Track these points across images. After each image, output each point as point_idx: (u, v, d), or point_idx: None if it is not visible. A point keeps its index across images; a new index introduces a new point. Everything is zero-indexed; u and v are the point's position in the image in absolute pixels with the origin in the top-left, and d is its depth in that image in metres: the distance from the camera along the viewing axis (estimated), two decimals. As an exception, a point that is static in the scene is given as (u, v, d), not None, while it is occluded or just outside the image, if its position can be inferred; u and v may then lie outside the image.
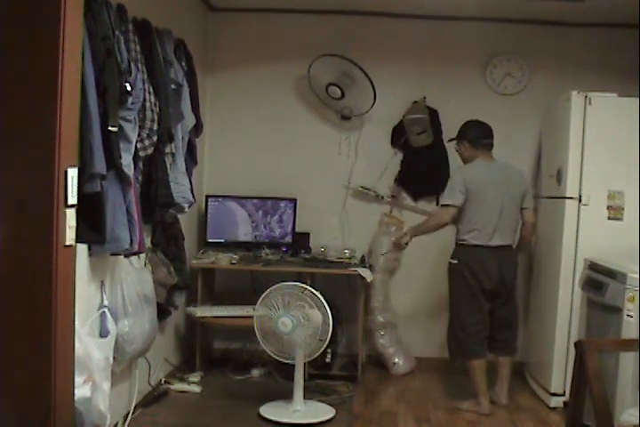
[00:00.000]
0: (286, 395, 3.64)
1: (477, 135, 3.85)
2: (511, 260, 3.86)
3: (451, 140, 4.09)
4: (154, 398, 3.68)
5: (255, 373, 4.22)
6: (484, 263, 3.73)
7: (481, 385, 3.75)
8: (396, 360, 4.44)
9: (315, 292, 3.49)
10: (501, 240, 3.76)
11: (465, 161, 3.92)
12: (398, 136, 4.55)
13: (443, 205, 3.83)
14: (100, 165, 2.46)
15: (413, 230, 4.01)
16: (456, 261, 3.80)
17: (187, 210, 3.65)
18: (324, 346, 3.50)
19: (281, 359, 3.59)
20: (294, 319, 3.45)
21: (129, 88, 2.67)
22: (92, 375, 2.55)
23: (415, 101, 4.50)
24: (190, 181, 3.61)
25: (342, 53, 4.38)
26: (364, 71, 4.35)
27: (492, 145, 3.88)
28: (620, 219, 3.75)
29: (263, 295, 3.53)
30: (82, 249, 2.67)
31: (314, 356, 3.56)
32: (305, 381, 3.66)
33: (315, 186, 4.63)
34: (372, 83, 4.34)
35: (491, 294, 3.77)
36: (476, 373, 3.75)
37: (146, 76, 2.97)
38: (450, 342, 3.89)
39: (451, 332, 3.87)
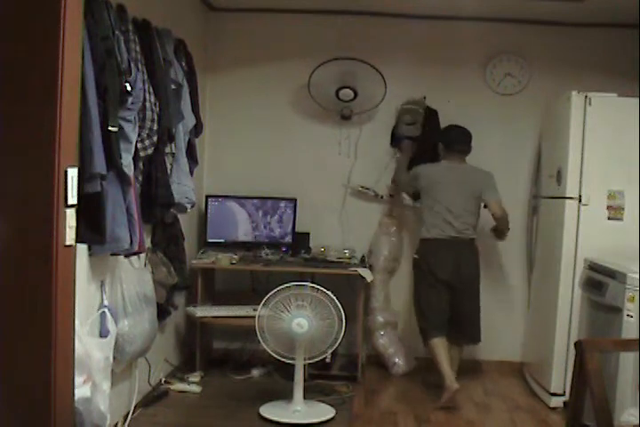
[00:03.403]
0: (286, 395, 3.64)
1: (451, 140, 4.05)
2: (468, 252, 4.02)
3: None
4: (154, 398, 3.68)
5: (255, 373, 4.22)
6: (437, 255, 3.97)
7: (443, 363, 3.86)
8: (396, 360, 4.44)
9: (327, 292, 3.49)
10: (456, 233, 3.94)
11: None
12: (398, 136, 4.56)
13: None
14: (100, 165, 2.46)
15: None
16: (417, 256, 4.05)
17: (189, 210, 3.65)
18: (337, 344, 3.50)
19: (283, 359, 3.57)
20: (310, 320, 3.45)
21: (129, 88, 2.67)
22: (92, 375, 2.55)
23: (415, 101, 4.51)
24: (191, 181, 3.62)
25: (342, 54, 4.39)
26: (364, 61, 4.36)
27: (466, 151, 4.05)
28: (620, 219, 3.75)
29: (269, 295, 3.49)
30: (82, 249, 2.67)
31: (325, 355, 3.57)
32: (305, 381, 3.66)
33: (315, 186, 4.63)
34: (377, 70, 4.36)
35: (448, 285, 3.95)
36: (437, 350, 3.89)
37: (146, 77, 2.97)
38: (419, 330, 4.08)
39: (417, 321, 4.09)
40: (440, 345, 3.91)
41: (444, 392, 3.80)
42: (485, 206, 4.04)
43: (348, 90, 4.37)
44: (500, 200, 4.02)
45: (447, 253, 3.96)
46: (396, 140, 4.54)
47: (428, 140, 4.38)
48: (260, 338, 3.51)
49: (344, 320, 3.48)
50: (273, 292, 3.49)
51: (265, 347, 3.52)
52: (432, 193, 3.99)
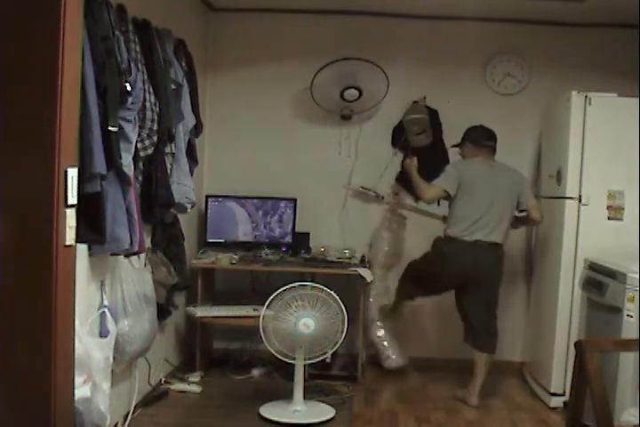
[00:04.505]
0: (286, 395, 3.64)
1: (479, 136, 3.92)
2: (490, 258, 3.84)
3: (453, 146, 4.12)
4: (154, 398, 3.68)
5: (255, 373, 4.22)
6: (455, 257, 3.80)
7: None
8: (390, 353, 4.44)
9: (331, 292, 3.50)
10: (483, 236, 3.77)
11: None
12: (398, 136, 4.56)
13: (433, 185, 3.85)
14: (100, 165, 2.46)
15: (414, 172, 3.99)
16: (432, 252, 3.94)
17: (189, 210, 3.65)
18: (338, 345, 3.51)
19: (285, 359, 3.56)
20: (316, 320, 3.45)
21: (129, 88, 2.67)
22: (92, 375, 2.55)
23: (415, 101, 4.51)
24: (191, 181, 3.61)
25: (341, 54, 4.39)
26: (370, 61, 4.37)
27: (494, 148, 3.93)
28: (620, 219, 3.75)
29: (274, 295, 3.48)
30: (82, 249, 2.68)
31: (326, 355, 3.57)
32: (305, 381, 3.66)
33: (315, 186, 4.62)
34: (379, 68, 4.36)
35: (460, 289, 3.89)
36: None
37: (146, 77, 2.97)
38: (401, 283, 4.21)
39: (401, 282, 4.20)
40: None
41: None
42: (521, 211, 3.92)
43: (353, 90, 4.38)
44: (537, 203, 3.97)
45: (466, 257, 3.76)
46: (411, 152, 4.46)
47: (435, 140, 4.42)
48: (263, 338, 3.50)
49: (347, 321, 3.48)
50: (278, 292, 3.49)
51: (268, 347, 3.51)
52: (469, 191, 3.78)
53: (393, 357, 4.44)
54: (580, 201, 3.77)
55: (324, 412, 3.59)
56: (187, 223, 4.08)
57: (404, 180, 4.45)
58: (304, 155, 4.64)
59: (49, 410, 2.06)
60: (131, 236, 2.80)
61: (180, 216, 3.75)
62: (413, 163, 4.04)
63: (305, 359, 3.56)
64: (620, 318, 3.21)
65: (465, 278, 3.83)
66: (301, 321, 3.44)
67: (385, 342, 4.46)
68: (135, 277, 3.16)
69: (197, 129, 3.75)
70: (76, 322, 2.25)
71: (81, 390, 2.45)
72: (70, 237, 2.07)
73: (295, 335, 3.46)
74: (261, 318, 3.50)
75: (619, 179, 3.75)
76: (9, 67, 2.01)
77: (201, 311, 4.06)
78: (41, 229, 2.01)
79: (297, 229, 4.49)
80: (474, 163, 3.89)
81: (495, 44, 4.54)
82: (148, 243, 3.49)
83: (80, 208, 2.18)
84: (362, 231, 4.62)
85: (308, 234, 4.54)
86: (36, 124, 2.00)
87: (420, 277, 4.02)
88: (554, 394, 3.81)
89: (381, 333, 4.46)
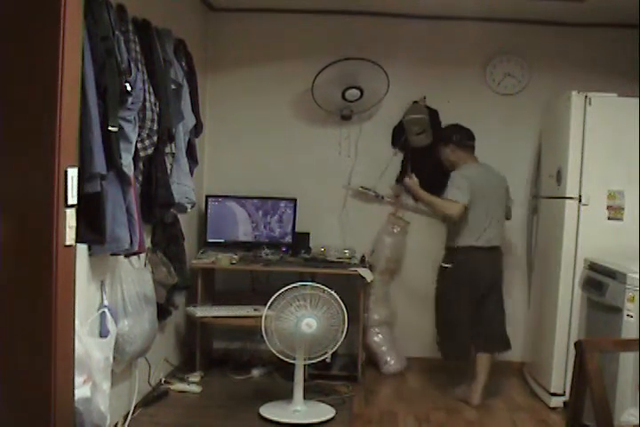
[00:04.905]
0: (286, 395, 3.64)
1: (462, 136, 3.96)
2: (500, 260, 3.97)
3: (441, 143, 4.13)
4: (154, 398, 3.68)
5: (255, 373, 4.22)
6: (478, 265, 3.83)
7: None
8: (388, 359, 4.44)
9: (332, 292, 3.50)
10: (492, 241, 3.84)
11: (453, 165, 3.97)
12: (398, 136, 4.56)
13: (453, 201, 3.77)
14: (100, 165, 2.47)
15: (421, 191, 3.98)
16: (450, 265, 3.87)
17: (189, 210, 3.65)
18: (338, 344, 3.51)
19: (286, 359, 3.56)
20: (318, 320, 3.44)
21: (129, 88, 2.67)
22: (92, 375, 2.55)
23: (415, 101, 4.51)
24: (191, 181, 3.61)
25: (342, 54, 4.39)
26: (372, 61, 4.37)
27: (474, 148, 3.98)
28: (620, 219, 3.75)
29: (276, 295, 3.47)
30: (82, 249, 2.68)
31: (326, 355, 3.57)
32: (305, 381, 3.66)
33: (315, 186, 4.62)
34: (380, 66, 4.36)
35: (481, 297, 3.86)
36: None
37: (146, 77, 2.97)
38: (442, 346, 4.00)
39: (442, 337, 4.00)
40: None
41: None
42: None
43: (354, 90, 4.38)
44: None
45: (486, 264, 3.85)
46: (411, 152, 4.48)
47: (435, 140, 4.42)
48: (265, 338, 3.50)
49: (347, 321, 3.48)
50: (280, 292, 3.48)
51: (270, 347, 3.50)
52: (477, 198, 3.78)
53: (392, 362, 4.44)
54: (580, 201, 3.76)
55: (324, 412, 3.59)
56: (187, 223, 4.08)
57: (401, 180, 4.46)
58: (304, 155, 4.64)
59: (49, 410, 2.06)
60: (131, 236, 2.80)
61: (180, 216, 3.75)
62: (414, 180, 4.05)
63: (305, 359, 3.57)
64: (620, 318, 3.21)
65: (488, 284, 3.86)
66: (304, 321, 3.43)
67: (383, 348, 4.46)
68: (135, 277, 3.16)
69: (197, 129, 3.76)
70: (76, 322, 2.25)
71: (81, 390, 2.45)
72: (70, 237, 2.07)
73: (296, 335, 3.46)
74: (264, 318, 3.49)
75: (619, 179, 3.75)
76: (9, 67, 2.01)
77: (201, 311, 4.06)
78: (41, 229, 2.01)
79: (297, 229, 4.49)
80: (471, 168, 3.91)
81: (495, 44, 4.55)
82: (148, 243, 3.49)
83: (80, 208, 2.18)
84: (362, 231, 4.61)
85: (308, 234, 4.54)
86: (36, 124, 2.00)
87: (452, 310, 3.89)
88: (554, 394, 3.80)
89: (379, 338, 4.47)
